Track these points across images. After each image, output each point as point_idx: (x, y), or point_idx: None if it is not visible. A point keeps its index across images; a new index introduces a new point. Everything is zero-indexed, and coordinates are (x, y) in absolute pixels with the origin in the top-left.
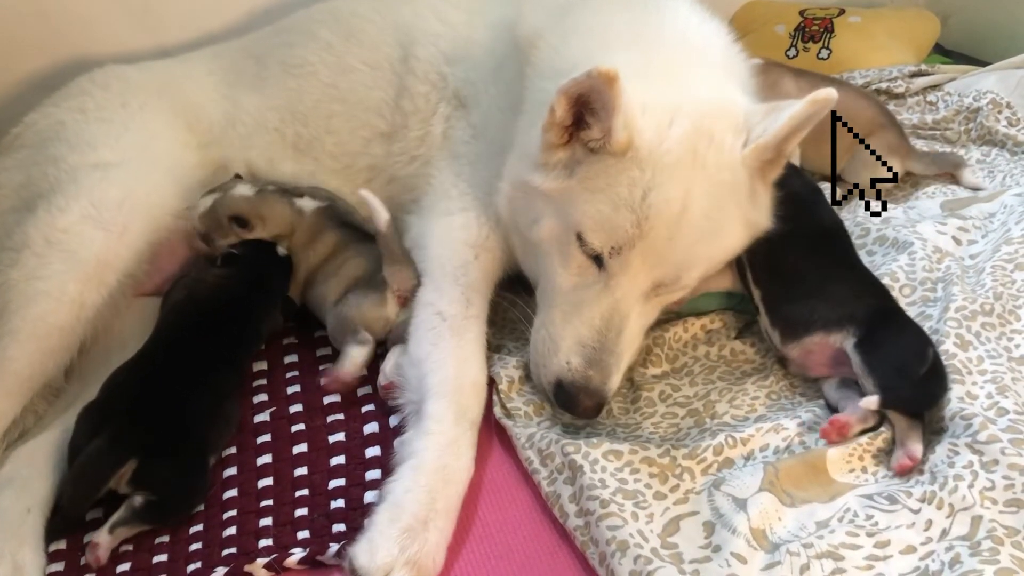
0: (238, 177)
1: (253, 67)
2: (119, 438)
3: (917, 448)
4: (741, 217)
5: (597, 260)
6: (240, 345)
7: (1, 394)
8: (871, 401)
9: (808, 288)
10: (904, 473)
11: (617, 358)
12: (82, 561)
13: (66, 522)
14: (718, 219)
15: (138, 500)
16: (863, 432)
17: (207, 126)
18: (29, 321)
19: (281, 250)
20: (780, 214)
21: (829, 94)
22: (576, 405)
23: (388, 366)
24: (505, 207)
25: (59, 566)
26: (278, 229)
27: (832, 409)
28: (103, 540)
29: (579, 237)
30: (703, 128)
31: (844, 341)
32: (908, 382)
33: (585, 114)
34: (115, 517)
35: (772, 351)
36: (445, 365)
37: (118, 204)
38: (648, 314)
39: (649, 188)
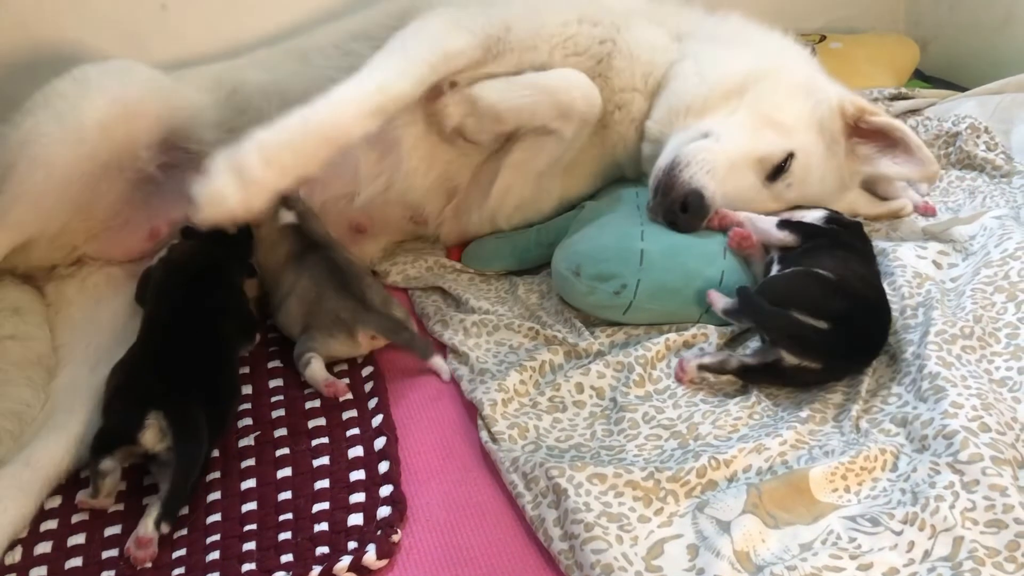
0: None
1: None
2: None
3: None
4: None
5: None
6: (223, 300)
7: None
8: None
9: (833, 256)
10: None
11: None
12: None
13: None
14: None
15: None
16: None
17: (213, 70)
18: (19, 183)
19: None
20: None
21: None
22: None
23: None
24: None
25: (42, 570)
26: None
27: None
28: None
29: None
30: None
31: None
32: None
33: None
34: (156, 512)
35: None
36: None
37: (126, 79)
38: None
39: None
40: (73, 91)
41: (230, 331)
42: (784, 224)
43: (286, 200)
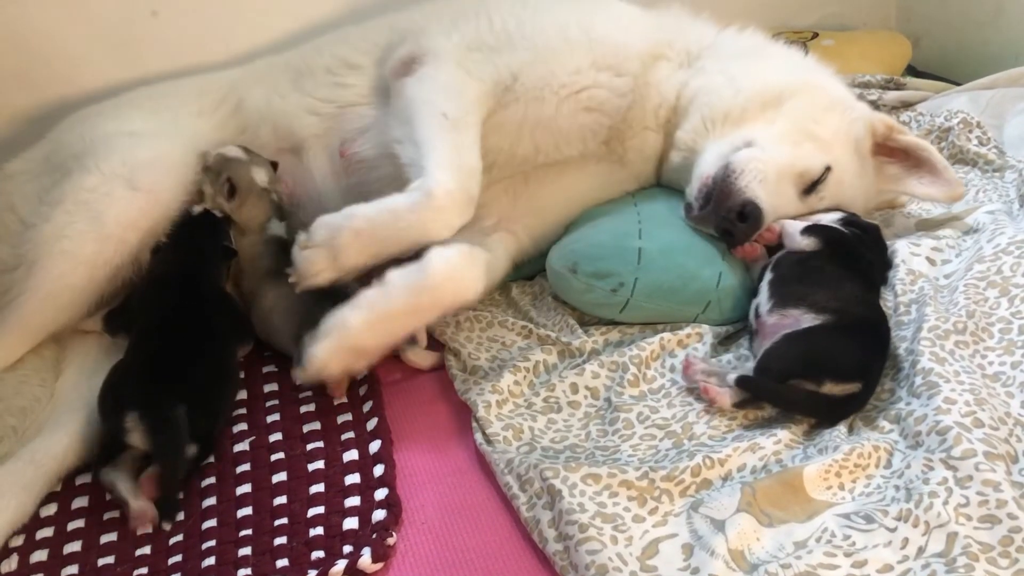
0: (274, 165)
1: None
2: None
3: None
4: None
5: None
6: (206, 305)
7: (10, 338)
8: (730, 379)
9: (821, 278)
10: None
11: None
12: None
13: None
14: None
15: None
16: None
17: (221, 83)
18: (48, 280)
19: (195, 208)
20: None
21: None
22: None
23: None
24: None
25: None
26: (243, 222)
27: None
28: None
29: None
30: None
31: (811, 322)
32: (775, 373)
33: None
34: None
35: (749, 328)
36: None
37: (149, 164)
38: None
39: None
40: (104, 188)
41: (223, 328)
42: (808, 230)
43: (280, 211)
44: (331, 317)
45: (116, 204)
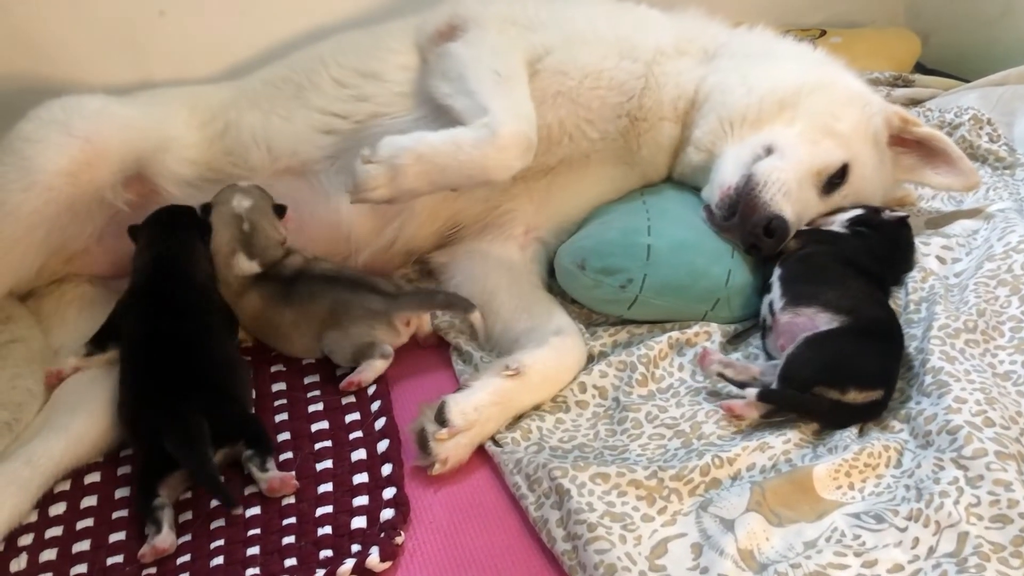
0: (280, 209)
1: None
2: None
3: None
4: None
5: None
6: (191, 296)
7: None
8: (751, 393)
9: (827, 276)
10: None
11: None
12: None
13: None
14: None
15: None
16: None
17: (212, 103)
18: None
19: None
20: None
21: None
22: None
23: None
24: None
25: None
26: (214, 250)
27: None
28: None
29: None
30: None
31: (828, 323)
32: (800, 382)
33: None
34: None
35: (762, 324)
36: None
37: (92, 112)
38: None
39: None
40: (37, 134)
41: (214, 324)
42: (797, 234)
43: (249, 246)
44: (461, 410)
45: (46, 150)
